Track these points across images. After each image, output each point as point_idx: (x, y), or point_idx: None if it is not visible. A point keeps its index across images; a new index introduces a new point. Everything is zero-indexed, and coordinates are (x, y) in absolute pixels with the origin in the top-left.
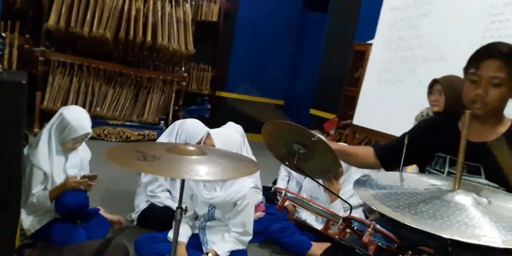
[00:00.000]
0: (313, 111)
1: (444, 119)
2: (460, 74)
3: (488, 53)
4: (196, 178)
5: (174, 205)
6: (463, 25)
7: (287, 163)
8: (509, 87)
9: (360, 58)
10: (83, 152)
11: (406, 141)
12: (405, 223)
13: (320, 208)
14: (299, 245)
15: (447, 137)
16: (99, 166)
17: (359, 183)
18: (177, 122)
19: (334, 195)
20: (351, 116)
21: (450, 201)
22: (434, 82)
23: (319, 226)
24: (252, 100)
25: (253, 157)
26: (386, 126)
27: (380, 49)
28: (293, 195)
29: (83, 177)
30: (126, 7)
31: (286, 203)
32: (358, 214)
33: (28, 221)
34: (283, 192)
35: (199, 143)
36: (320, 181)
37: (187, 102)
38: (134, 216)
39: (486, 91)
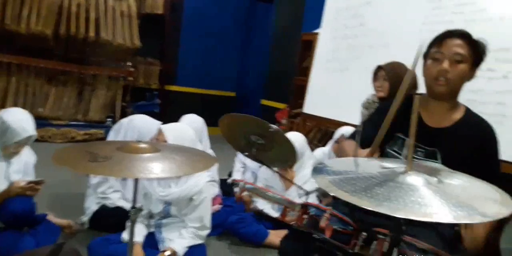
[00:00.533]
0: (264, 102)
1: (403, 102)
2: (403, 60)
3: (449, 33)
4: (151, 177)
5: (127, 205)
6: (404, 13)
7: (247, 153)
8: (469, 66)
9: (308, 48)
10: (27, 156)
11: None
12: (363, 206)
13: (278, 196)
14: (256, 235)
15: (406, 119)
16: (44, 169)
17: (316, 170)
18: (124, 120)
19: (289, 182)
20: (301, 105)
21: (402, 183)
22: (379, 68)
23: (276, 214)
24: (203, 93)
25: (211, 151)
26: (335, 113)
27: (327, 38)
28: (251, 186)
29: (29, 182)
30: (66, 2)
31: (243, 193)
32: (312, 199)
33: None
34: (241, 183)
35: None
36: (277, 169)
37: (135, 97)
38: (85, 219)
39: (450, 66)
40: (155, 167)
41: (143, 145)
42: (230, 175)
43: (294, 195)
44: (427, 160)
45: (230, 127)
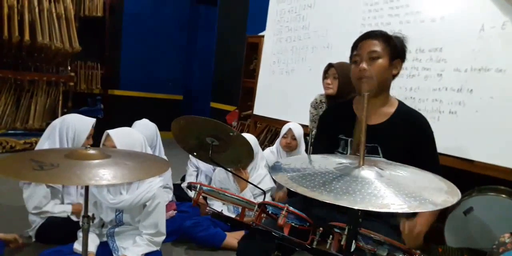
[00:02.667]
0: (213, 104)
1: (339, 105)
2: (346, 61)
3: (364, 36)
4: (102, 183)
5: (67, 208)
6: (344, 15)
7: (195, 154)
8: (387, 60)
9: (254, 50)
10: None
11: (312, 132)
12: (324, 200)
13: (235, 197)
14: (214, 238)
15: (345, 121)
16: None
17: (275, 169)
18: (56, 121)
19: (244, 184)
20: (251, 107)
21: (357, 177)
22: (329, 66)
23: (232, 215)
24: (148, 96)
25: (164, 157)
26: (284, 114)
27: (272, 40)
28: (208, 188)
29: None
30: None
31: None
32: (268, 199)
33: None
34: (198, 186)
35: (90, 136)
36: (232, 170)
37: (77, 103)
38: (31, 232)
39: (368, 65)
40: (107, 174)
41: (92, 151)
42: (183, 179)
43: (248, 196)
44: (370, 156)
45: (183, 128)
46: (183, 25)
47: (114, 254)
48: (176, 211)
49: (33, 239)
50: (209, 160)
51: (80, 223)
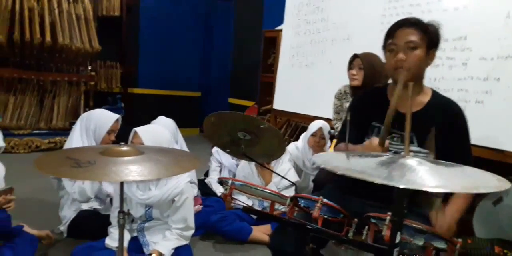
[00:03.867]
0: (231, 100)
1: (373, 92)
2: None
3: (399, 24)
4: (139, 179)
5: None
6: (364, 6)
7: (228, 150)
8: (424, 50)
9: (272, 45)
10: None
11: (348, 117)
12: (374, 181)
13: (267, 191)
14: (240, 232)
15: (379, 108)
16: (12, 181)
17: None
18: (84, 114)
19: (268, 178)
20: (270, 102)
21: (405, 164)
22: (354, 57)
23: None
24: (167, 94)
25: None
26: (304, 108)
27: (290, 34)
28: (240, 183)
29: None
30: (17, 7)
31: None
32: (292, 193)
33: None
34: (230, 181)
35: (112, 131)
36: (260, 164)
37: (98, 102)
38: (63, 228)
39: (405, 55)
40: (142, 169)
41: (125, 148)
42: (206, 174)
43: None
44: (403, 145)
45: (215, 125)
46: (199, 22)
47: (144, 249)
48: (202, 206)
49: (65, 235)
50: (243, 155)
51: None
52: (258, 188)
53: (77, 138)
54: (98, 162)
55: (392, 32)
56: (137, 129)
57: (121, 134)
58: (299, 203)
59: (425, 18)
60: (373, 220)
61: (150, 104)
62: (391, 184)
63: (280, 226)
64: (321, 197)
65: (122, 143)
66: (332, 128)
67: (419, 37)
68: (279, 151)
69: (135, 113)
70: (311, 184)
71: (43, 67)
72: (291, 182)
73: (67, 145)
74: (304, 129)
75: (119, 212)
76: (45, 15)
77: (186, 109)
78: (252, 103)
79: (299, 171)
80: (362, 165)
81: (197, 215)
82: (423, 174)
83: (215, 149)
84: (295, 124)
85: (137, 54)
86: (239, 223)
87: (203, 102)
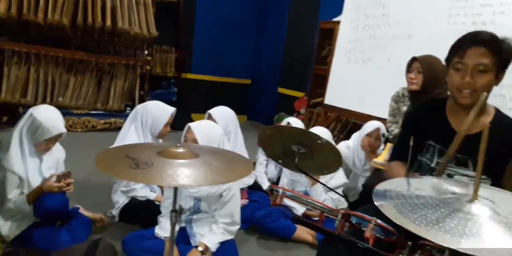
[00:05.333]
0: (281, 90)
1: (430, 106)
2: (432, 52)
3: (470, 41)
4: (193, 185)
5: (151, 195)
6: (429, 3)
7: (280, 161)
8: (494, 74)
9: (327, 36)
10: (58, 152)
11: (411, 143)
12: (444, 245)
13: (318, 204)
14: (284, 230)
15: (436, 126)
16: (68, 160)
17: (378, 195)
18: (139, 106)
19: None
20: (321, 95)
21: (472, 213)
22: (413, 60)
23: (303, 208)
24: (218, 80)
25: (243, 146)
26: (358, 105)
27: (348, 28)
28: (291, 193)
29: (58, 177)
30: None
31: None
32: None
33: (6, 227)
34: (280, 190)
35: (168, 124)
36: (312, 177)
37: (152, 85)
38: (115, 212)
39: (473, 78)
40: (197, 175)
41: (181, 150)
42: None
43: (320, 191)
44: (459, 168)
45: (271, 137)
46: (254, 9)
47: (191, 240)
48: (248, 200)
49: (116, 219)
50: (295, 167)
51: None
52: (309, 199)
53: (132, 131)
54: (156, 163)
55: (461, 50)
56: (191, 124)
57: (176, 119)
58: (351, 220)
59: (496, 20)
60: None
61: (201, 89)
62: (449, 246)
63: (329, 239)
64: (374, 217)
65: (179, 144)
66: (386, 130)
67: (491, 60)
68: (334, 166)
69: (187, 98)
70: (359, 185)
71: (102, 50)
72: (340, 194)
73: (121, 136)
74: (355, 125)
75: (172, 211)
76: (106, 0)
77: (236, 96)
78: (301, 94)
79: (347, 170)
80: (429, 209)
81: (243, 209)
82: (494, 233)
83: None
84: (346, 119)
85: (191, 40)
86: (283, 220)
87: (252, 89)
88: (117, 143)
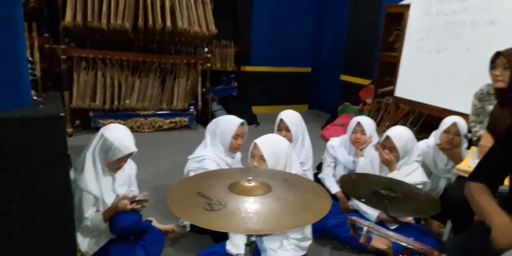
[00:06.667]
0: (344, 77)
1: None
2: None
3: None
4: (267, 231)
5: None
6: None
7: (364, 200)
8: None
9: (393, 21)
10: (129, 168)
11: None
12: None
13: (411, 246)
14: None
15: None
16: (137, 162)
17: None
18: (212, 122)
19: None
20: (389, 83)
21: None
22: (497, 55)
23: (374, 212)
24: (277, 71)
25: (310, 150)
26: (433, 98)
27: (419, 14)
28: (377, 232)
29: (135, 201)
30: None
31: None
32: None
33: (85, 243)
34: (365, 229)
35: (238, 136)
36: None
37: (213, 81)
38: (186, 222)
39: None
40: (271, 218)
41: (253, 184)
42: (319, 168)
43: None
44: None
45: (355, 181)
46: None
47: (262, 255)
48: None
49: (188, 229)
50: (383, 210)
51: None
52: (399, 240)
53: (209, 146)
54: (228, 203)
55: None
56: (257, 141)
57: (236, 113)
58: None
59: None
60: None
61: (261, 81)
62: None
63: None
64: None
65: (250, 177)
66: (469, 130)
67: None
68: (429, 212)
69: (248, 91)
70: (441, 186)
71: (164, 50)
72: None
73: (198, 149)
74: (429, 118)
75: (246, 245)
76: (165, 1)
77: (296, 85)
78: (367, 82)
79: (427, 172)
80: None
81: None
82: None
83: (330, 144)
84: (418, 111)
85: (250, 31)
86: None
87: (313, 78)
88: (194, 154)
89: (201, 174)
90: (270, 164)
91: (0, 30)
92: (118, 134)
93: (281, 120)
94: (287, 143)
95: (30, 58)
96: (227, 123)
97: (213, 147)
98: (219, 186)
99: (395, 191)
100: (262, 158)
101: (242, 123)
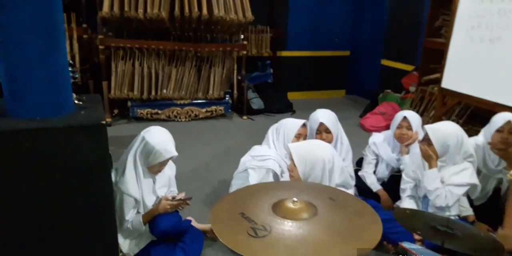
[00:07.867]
0: (385, 62)
1: None
2: None
3: None
4: None
5: None
6: None
7: (419, 232)
8: None
9: (441, 4)
10: (169, 170)
11: None
12: None
13: None
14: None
15: None
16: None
17: None
18: (276, 124)
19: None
20: (434, 71)
21: None
22: None
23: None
24: (314, 55)
25: (349, 149)
26: (483, 91)
27: (470, 1)
28: None
29: (179, 200)
30: None
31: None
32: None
33: (126, 245)
34: None
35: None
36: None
37: (249, 67)
38: None
39: None
40: (318, 247)
41: (299, 206)
42: (358, 164)
43: (434, 177)
44: None
45: (410, 215)
46: None
47: None
48: None
49: None
50: (439, 243)
51: None
52: None
53: (273, 147)
54: (273, 228)
55: None
56: (290, 146)
57: (272, 101)
58: None
59: None
60: None
61: (297, 66)
62: None
63: None
64: None
65: (295, 199)
66: None
67: None
68: (491, 254)
69: (284, 77)
70: (490, 187)
71: (200, 38)
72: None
73: (263, 149)
74: (477, 109)
75: None
76: None
77: (333, 70)
78: (410, 68)
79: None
80: None
81: None
82: None
83: (372, 140)
84: (464, 105)
85: (286, 15)
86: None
87: (351, 62)
88: (255, 152)
89: (243, 190)
90: (301, 170)
91: (42, 37)
92: (159, 138)
93: (321, 123)
94: (328, 151)
95: (70, 62)
96: (290, 123)
97: (276, 148)
98: (262, 206)
99: (453, 229)
100: (295, 164)
101: (304, 124)
